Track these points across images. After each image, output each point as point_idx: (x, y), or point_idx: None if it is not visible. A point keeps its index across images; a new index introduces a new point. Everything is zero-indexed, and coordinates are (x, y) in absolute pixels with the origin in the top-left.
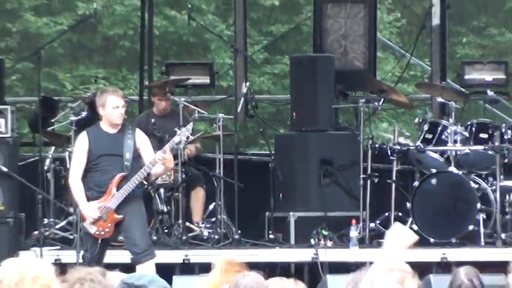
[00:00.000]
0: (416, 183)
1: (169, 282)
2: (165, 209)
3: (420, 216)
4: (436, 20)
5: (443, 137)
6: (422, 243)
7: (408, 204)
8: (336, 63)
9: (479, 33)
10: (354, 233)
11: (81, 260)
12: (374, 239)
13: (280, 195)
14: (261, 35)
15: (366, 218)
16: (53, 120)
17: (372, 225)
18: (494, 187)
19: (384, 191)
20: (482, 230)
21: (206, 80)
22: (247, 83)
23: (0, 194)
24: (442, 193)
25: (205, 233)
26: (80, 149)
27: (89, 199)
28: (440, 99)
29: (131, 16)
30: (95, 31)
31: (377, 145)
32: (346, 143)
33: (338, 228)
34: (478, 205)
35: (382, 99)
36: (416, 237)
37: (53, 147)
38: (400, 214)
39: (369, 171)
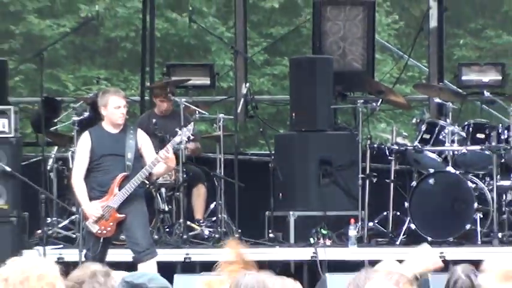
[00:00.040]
0: (414, 183)
1: (171, 280)
2: (167, 208)
3: (418, 215)
4: (433, 22)
5: (440, 137)
6: (420, 242)
7: (406, 204)
8: (334, 64)
9: (476, 35)
10: (352, 232)
11: (83, 259)
12: (372, 238)
13: (280, 194)
14: (261, 37)
15: (365, 217)
16: (55, 121)
17: (371, 224)
18: (491, 187)
19: (382, 190)
20: (479, 229)
21: (207, 81)
22: (247, 84)
23: (3, 194)
24: (439, 193)
25: (206, 232)
26: (82, 149)
27: (91, 199)
28: (437, 100)
29: (133, 18)
30: (97, 33)
31: (375, 145)
32: (345, 143)
33: (337, 227)
34: (475, 204)
35: (380, 100)
36: (440, 264)
37: (56, 147)
38: (398, 213)
39: (368, 171)
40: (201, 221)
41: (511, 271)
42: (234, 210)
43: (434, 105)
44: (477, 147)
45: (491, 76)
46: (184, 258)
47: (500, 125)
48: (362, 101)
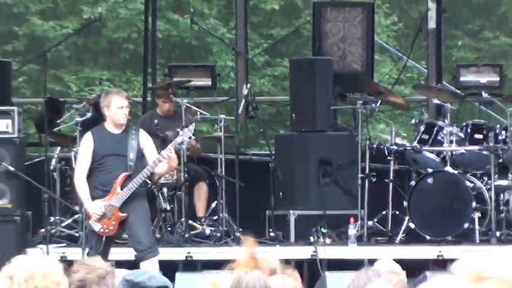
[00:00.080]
0: (413, 183)
1: (172, 278)
2: (168, 207)
3: (417, 214)
4: (432, 24)
5: (439, 137)
6: (418, 240)
7: (405, 203)
8: (334, 65)
9: (474, 37)
10: (352, 231)
11: (86, 257)
12: (372, 236)
13: (280, 194)
14: (261, 38)
15: (364, 216)
16: (58, 121)
17: (370, 223)
18: (489, 186)
19: (382, 190)
20: (477, 228)
21: (208, 82)
22: (248, 85)
23: (7, 193)
24: (438, 192)
25: (207, 231)
26: (85, 149)
27: (93, 198)
28: (436, 101)
29: (135, 20)
30: (100, 34)
31: (375, 145)
32: (345, 144)
33: (337, 226)
34: (473, 204)
35: (380, 101)
36: None
37: (59, 147)
38: (397, 212)
39: (367, 171)
40: (202, 220)
41: (483, 272)
42: (235, 209)
43: (433, 106)
44: (475, 148)
45: (489, 77)
46: (186, 257)
47: (498, 125)
48: (361, 101)
